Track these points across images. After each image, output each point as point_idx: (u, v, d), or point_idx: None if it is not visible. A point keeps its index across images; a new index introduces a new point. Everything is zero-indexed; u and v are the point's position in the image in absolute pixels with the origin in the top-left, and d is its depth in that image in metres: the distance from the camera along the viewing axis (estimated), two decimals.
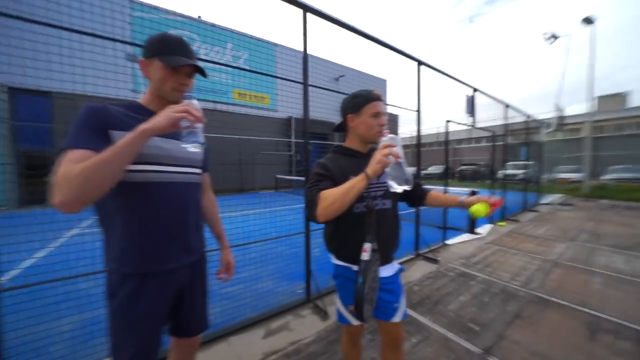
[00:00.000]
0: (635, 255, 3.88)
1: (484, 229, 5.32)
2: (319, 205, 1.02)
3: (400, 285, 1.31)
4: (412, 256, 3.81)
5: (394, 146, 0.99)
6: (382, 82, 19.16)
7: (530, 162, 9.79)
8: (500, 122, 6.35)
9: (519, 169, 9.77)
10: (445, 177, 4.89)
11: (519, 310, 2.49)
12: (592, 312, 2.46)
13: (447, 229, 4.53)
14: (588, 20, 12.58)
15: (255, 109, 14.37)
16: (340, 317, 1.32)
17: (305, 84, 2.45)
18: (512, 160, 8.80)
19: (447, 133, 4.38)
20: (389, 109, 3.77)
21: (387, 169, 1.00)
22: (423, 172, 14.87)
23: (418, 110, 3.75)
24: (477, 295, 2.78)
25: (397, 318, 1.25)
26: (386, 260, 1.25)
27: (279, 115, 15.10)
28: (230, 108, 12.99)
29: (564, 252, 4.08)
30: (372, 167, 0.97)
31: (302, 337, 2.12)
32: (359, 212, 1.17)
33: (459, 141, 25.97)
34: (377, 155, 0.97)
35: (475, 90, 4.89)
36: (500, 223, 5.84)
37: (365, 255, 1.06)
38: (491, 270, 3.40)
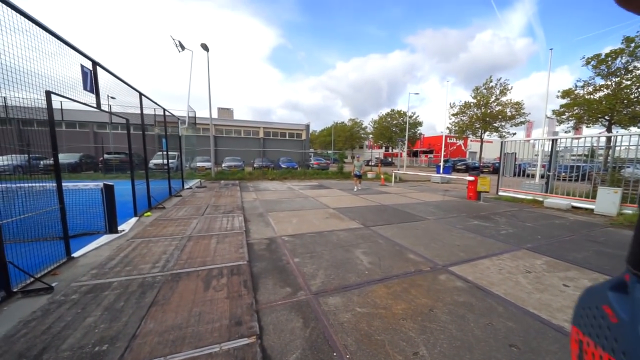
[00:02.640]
0: (230, 215, 5.98)
1: (127, 224, 4.94)
2: None
3: None
4: (5, 298, 2.35)
5: None
6: None
7: (174, 153, 11.03)
8: (137, 110, 6.15)
9: (167, 159, 10.56)
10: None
11: (155, 298, 2.56)
12: (208, 267, 3.28)
13: (74, 238, 3.48)
14: (205, 47, 16.64)
15: None
16: None
17: None
18: (158, 150, 9.23)
19: (50, 107, 3.20)
20: None
21: None
22: (43, 162, 10.40)
23: None
24: (110, 306, 2.40)
25: None
26: None
27: None
28: None
29: (196, 226, 5.10)
30: None
31: None
32: None
33: (100, 125, 21.99)
34: None
35: (95, 63, 4.11)
36: (147, 213, 5.84)
37: None
38: (131, 268, 3.19)
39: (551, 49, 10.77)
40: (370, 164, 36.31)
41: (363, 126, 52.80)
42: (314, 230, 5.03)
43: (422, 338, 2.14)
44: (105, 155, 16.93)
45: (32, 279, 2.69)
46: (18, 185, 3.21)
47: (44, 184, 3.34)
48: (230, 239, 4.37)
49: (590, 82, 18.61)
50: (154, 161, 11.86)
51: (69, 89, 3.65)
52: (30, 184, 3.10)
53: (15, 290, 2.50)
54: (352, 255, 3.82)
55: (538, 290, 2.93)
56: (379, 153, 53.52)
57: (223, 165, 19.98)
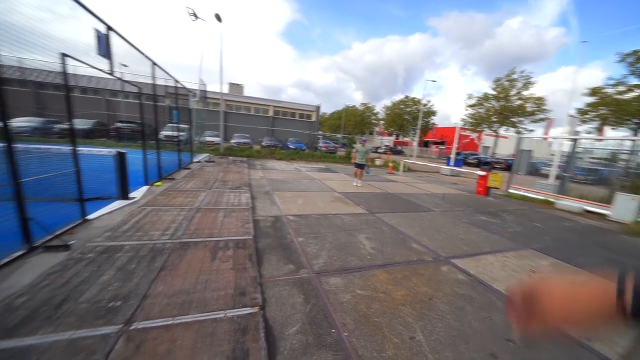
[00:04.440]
0: (238, 192, 6.07)
1: (139, 192, 5.08)
2: None
3: None
4: (21, 252, 2.49)
5: None
6: None
7: (185, 126, 11.08)
8: (149, 80, 6.10)
9: (178, 132, 10.65)
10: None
11: (164, 263, 2.68)
12: (215, 239, 3.38)
13: (88, 201, 3.61)
14: (218, 18, 16.08)
15: None
16: None
17: None
18: (169, 122, 9.27)
19: (65, 73, 3.19)
20: None
21: None
22: (58, 126, 10.63)
23: None
24: (123, 267, 2.53)
25: None
26: None
27: None
28: None
29: (204, 199, 5.21)
30: None
31: None
32: None
33: (112, 93, 22.05)
34: None
35: (110, 28, 4.03)
36: (157, 183, 5.98)
37: None
38: (142, 234, 3.31)
39: (584, 42, 10.03)
40: (379, 151, 35.84)
41: (375, 112, 51.53)
42: (319, 212, 5.08)
43: (420, 325, 2.19)
44: (117, 124, 17.14)
45: (51, 236, 2.82)
46: (36, 147, 3.30)
47: (60, 147, 3.42)
48: (237, 214, 4.46)
49: (623, 81, 17.44)
50: (164, 133, 11.97)
51: (82, 54, 3.60)
52: (47, 147, 3.18)
53: (36, 245, 2.64)
54: (356, 240, 3.86)
55: None
56: (389, 141, 52.59)
57: (232, 141, 20.03)
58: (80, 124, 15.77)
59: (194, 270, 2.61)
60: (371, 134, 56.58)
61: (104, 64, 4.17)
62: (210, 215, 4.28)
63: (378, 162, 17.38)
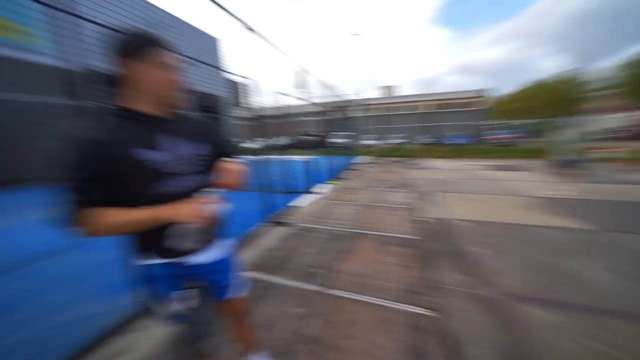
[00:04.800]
0: (396, 191, 6.12)
1: (322, 188, 6.44)
2: (84, 226, 0.82)
3: (229, 262, 1.26)
4: (271, 225, 3.95)
5: (213, 204, 0.92)
6: (213, 41, 16.30)
7: (349, 133, 12.77)
8: (324, 99, 7.56)
9: (342, 138, 12.53)
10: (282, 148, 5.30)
11: (344, 247, 3.22)
12: (379, 233, 3.63)
13: (292, 193, 5.06)
14: (370, 30, 17.13)
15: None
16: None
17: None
18: (336, 131, 11.07)
19: (287, 105, 4.67)
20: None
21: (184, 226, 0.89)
22: (272, 143, 15.58)
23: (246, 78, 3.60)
24: (317, 243, 3.32)
25: (230, 294, 1.25)
26: (207, 244, 1.12)
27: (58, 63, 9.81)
28: None
29: (368, 196, 5.73)
30: (175, 213, 0.86)
31: None
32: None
33: (299, 114, 29.32)
34: (192, 207, 0.87)
35: (305, 71, 5.42)
36: (334, 182, 7.31)
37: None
38: (328, 220, 4.18)
39: None
40: (601, 137, 23.03)
41: (584, 80, 33.68)
42: (499, 220, 4.10)
43: None
44: (301, 137, 22.70)
45: (280, 216, 4.25)
46: (267, 157, 5.05)
47: (274, 157, 5.03)
48: (396, 212, 4.54)
49: None
50: (333, 140, 14.46)
51: (283, 89, 5.09)
52: (270, 157, 4.80)
53: (274, 220, 4.07)
54: (571, 265, 2.75)
55: None
56: (626, 117, 32.83)
57: (387, 142, 20.66)
58: (285, 140, 22.40)
59: (365, 257, 2.95)
60: (578, 113, 38.01)
61: (299, 93, 5.70)
62: (374, 211, 4.65)
63: (602, 154, 11.39)
